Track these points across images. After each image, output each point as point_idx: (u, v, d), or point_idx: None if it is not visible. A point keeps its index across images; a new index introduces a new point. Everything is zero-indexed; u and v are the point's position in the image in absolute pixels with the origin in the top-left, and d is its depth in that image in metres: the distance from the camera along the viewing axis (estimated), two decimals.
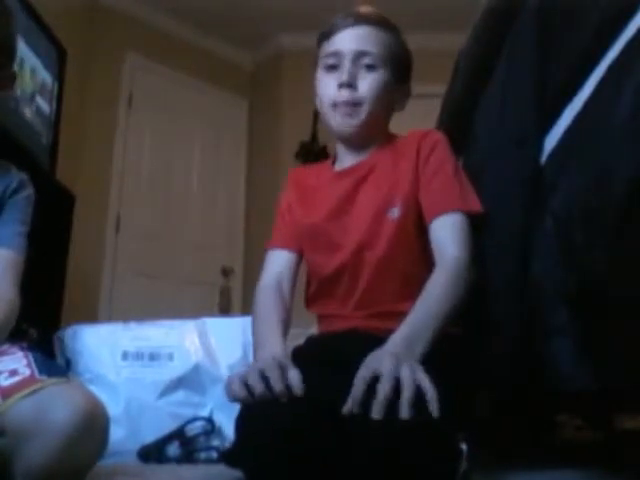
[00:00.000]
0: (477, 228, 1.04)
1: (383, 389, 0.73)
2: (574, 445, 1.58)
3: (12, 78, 1.17)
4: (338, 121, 1.08)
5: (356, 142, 1.12)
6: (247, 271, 3.97)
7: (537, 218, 0.92)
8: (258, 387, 0.80)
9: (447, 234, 0.99)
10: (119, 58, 3.65)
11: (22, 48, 2.31)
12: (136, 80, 3.73)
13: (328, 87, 1.09)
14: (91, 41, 3.48)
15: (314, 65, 1.15)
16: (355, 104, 1.06)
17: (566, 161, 0.89)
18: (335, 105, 1.07)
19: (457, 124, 1.37)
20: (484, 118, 1.21)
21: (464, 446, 0.73)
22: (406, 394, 0.73)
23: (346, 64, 1.06)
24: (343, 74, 1.06)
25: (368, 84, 1.06)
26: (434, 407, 0.73)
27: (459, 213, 1.00)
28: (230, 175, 4.10)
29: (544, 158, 0.97)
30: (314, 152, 3.79)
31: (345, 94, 1.06)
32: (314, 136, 3.84)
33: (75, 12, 3.30)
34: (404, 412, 0.71)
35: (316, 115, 3.84)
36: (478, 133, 1.22)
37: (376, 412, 0.71)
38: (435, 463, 0.71)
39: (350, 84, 1.05)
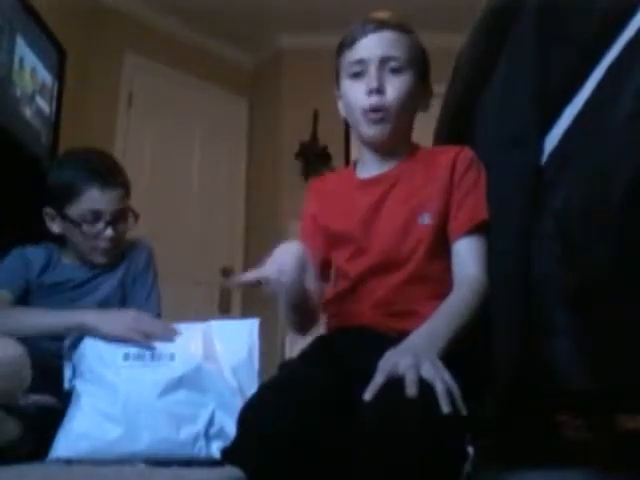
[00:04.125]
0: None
1: (411, 389, 0.72)
2: (574, 445, 1.57)
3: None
4: (368, 129, 1.10)
5: (385, 149, 1.13)
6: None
7: (537, 218, 0.92)
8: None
9: (471, 255, 1.03)
10: (119, 58, 3.65)
11: (22, 48, 2.31)
12: (136, 80, 3.72)
13: (357, 93, 1.09)
14: (91, 41, 3.48)
15: (335, 73, 1.15)
16: (384, 109, 1.07)
17: (566, 161, 0.89)
18: (366, 112, 1.08)
19: (457, 124, 1.37)
20: (484, 118, 1.21)
21: (470, 449, 0.73)
22: (439, 387, 0.73)
23: (372, 70, 1.07)
24: (371, 81, 1.07)
25: (395, 88, 1.08)
26: (460, 404, 0.73)
27: (483, 235, 1.04)
28: (230, 175, 4.10)
29: (544, 158, 0.97)
30: (314, 152, 3.79)
31: (375, 100, 1.07)
32: (314, 136, 3.84)
33: (75, 12, 3.29)
34: (445, 406, 0.71)
35: (316, 115, 3.84)
36: (478, 133, 1.22)
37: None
38: (440, 463, 0.71)
39: (379, 90, 1.06)
